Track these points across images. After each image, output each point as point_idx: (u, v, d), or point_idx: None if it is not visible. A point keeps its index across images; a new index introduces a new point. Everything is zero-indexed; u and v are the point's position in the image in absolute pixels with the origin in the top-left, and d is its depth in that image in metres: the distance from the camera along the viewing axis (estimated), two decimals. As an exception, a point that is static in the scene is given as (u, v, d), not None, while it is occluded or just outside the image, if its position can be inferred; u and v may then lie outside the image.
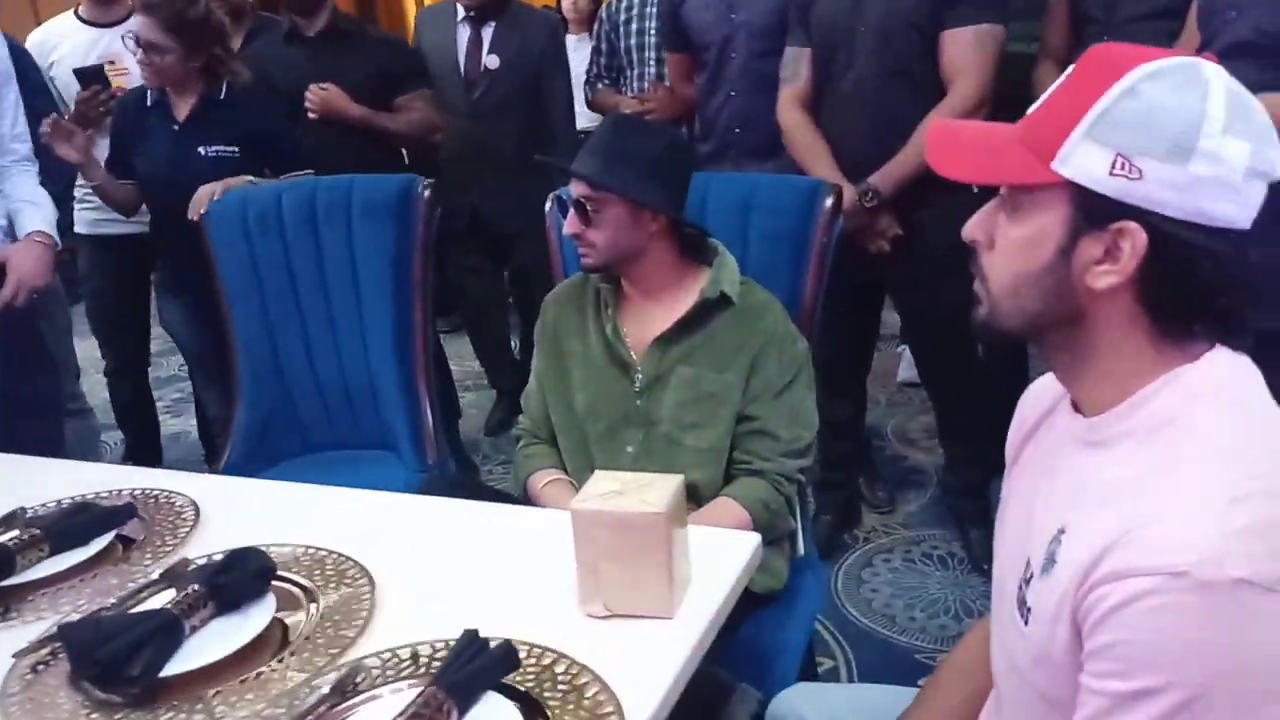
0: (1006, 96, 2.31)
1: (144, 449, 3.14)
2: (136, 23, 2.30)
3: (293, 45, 2.79)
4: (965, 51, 2.07)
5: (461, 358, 4.29)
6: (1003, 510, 1.04)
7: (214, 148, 2.37)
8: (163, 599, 1.15)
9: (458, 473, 3.07)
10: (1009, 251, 0.84)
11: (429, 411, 2.16)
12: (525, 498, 1.69)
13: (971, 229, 0.87)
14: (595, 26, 3.41)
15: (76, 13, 2.81)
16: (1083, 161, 0.77)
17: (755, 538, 1.22)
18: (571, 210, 1.58)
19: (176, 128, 2.38)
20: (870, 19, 2.11)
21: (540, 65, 3.02)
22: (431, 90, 2.87)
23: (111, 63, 2.72)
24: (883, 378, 3.56)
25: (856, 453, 2.66)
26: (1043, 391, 1.02)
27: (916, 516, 2.69)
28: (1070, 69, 0.83)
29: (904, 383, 3.59)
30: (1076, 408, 0.88)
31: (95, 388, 3.38)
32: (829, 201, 1.78)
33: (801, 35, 2.26)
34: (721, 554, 1.19)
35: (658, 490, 1.07)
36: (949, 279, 2.33)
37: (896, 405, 3.47)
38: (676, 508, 1.07)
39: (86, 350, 3.29)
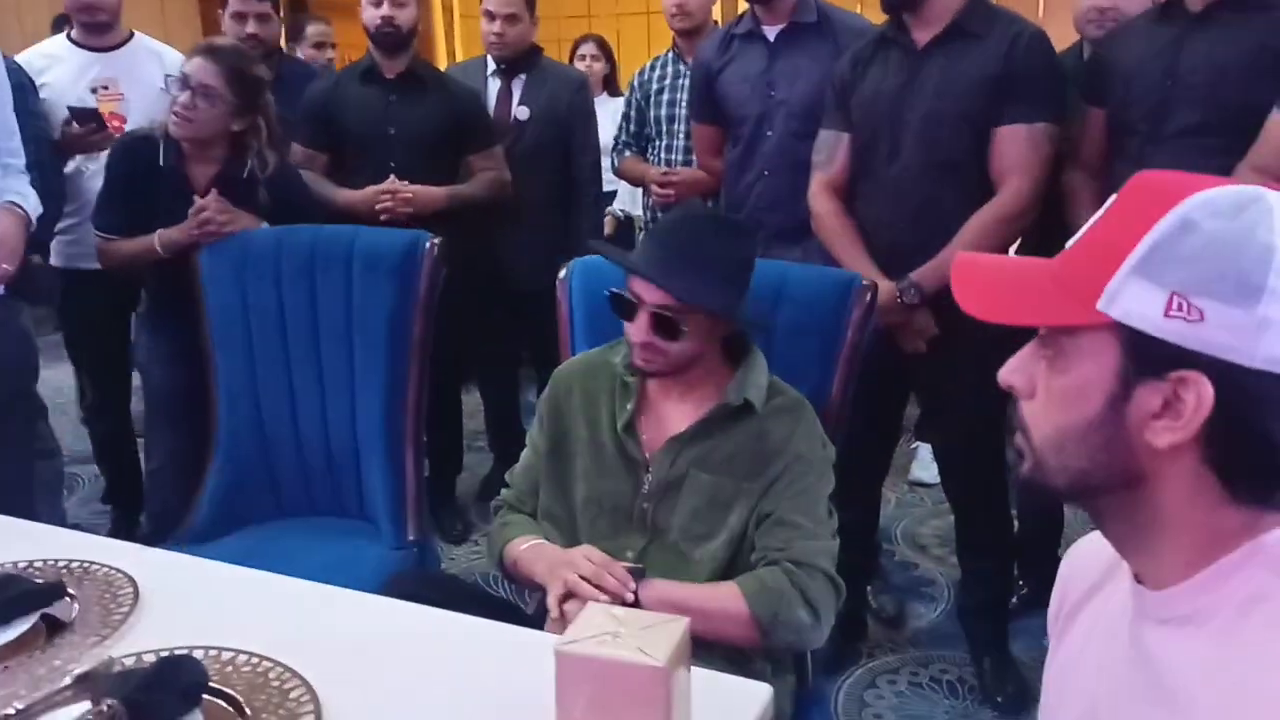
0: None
1: (123, 487, 2.98)
2: (192, 65, 2.14)
3: (369, 85, 2.72)
4: (1020, 149, 1.95)
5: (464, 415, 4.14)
6: (1052, 690, 0.90)
7: None
8: (76, 710, 0.99)
9: (442, 537, 2.92)
10: (1051, 402, 0.75)
11: (413, 485, 2.00)
12: (502, 574, 1.53)
13: (1009, 374, 0.79)
14: (627, 94, 3.37)
15: (69, 35, 2.70)
16: (1133, 301, 0.69)
17: (767, 689, 1.06)
18: (642, 317, 1.41)
19: (196, 199, 2.17)
20: (918, 108, 1.99)
21: (569, 119, 2.99)
22: (500, 147, 2.81)
23: (105, 88, 2.62)
24: (893, 475, 3.38)
25: (865, 561, 2.49)
26: (1089, 557, 0.89)
27: (926, 633, 2.51)
28: (1112, 199, 0.73)
29: (915, 482, 3.43)
30: (1138, 578, 0.77)
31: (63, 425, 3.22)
32: (864, 298, 1.65)
33: (839, 119, 2.14)
34: (728, 706, 1.03)
35: (661, 635, 0.91)
36: (983, 378, 2.20)
37: (907, 506, 3.29)
38: (680, 657, 0.92)
39: (56, 383, 3.14)
